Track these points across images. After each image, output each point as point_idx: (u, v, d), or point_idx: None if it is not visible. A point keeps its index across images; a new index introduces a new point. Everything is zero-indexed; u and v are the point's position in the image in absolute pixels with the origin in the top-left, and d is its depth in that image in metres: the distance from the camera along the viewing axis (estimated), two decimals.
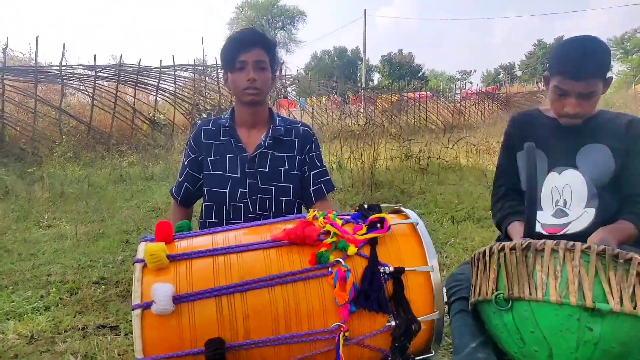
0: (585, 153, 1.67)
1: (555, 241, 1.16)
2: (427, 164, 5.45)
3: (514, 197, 1.78)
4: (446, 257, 2.48)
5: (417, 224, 1.30)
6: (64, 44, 9.11)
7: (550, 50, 1.70)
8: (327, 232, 1.22)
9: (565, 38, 1.70)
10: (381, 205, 1.41)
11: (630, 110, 12.10)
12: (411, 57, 53.98)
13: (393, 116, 14.65)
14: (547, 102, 1.74)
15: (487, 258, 1.28)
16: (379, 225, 1.27)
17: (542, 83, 1.66)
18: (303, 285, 1.12)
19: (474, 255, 1.34)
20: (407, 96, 17.44)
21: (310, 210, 1.34)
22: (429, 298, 1.21)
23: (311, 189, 1.76)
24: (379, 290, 1.16)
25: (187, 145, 1.79)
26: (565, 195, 1.68)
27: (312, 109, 13.31)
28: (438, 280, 1.22)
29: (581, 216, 1.64)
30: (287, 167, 1.73)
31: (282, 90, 15.32)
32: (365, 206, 1.37)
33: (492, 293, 1.23)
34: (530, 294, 1.15)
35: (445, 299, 1.55)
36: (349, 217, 1.32)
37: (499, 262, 1.24)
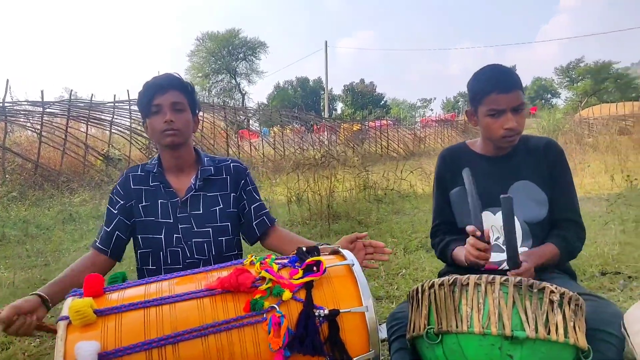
0: (514, 193, 1.73)
1: (478, 275, 1.24)
2: (385, 194, 5.56)
3: (453, 232, 1.86)
4: (397, 288, 2.54)
5: (353, 264, 1.35)
6: (7, 79, 8.94)
7: (468, 85, 1.80)
8: (263, 278, 1.25)
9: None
10: (320, 246, 1.46)
11: (575, 133, 12.77)
12: (373, 87, 55.29)
13: (355, 145, 14.91)
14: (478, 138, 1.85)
15: (420, 295, 1.34)
16: (315, 268, 1.31)
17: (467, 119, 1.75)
18: (237, 333, 1.14)
19: (409, 293, 1.41)
20: (368, 125, 17.80)
21: (249, 256, 1.38)
22: (364, 338, 1.25)
23: (254, 223, 1.77)
24: (314, 334, 1.19)
25: (113, 193, 1.74)
26: (502, 235, 1.76)
27: (274, 139, 13.39)
28: (373, 319, 1.26)
29: None
30: (222, 206, 1.73)
31: (245, 121, 15.40)
32: (304, 249, 1.41)
33: (424, 328, 1.28)
34: (457, 327, 1.21)
35: (385, 336, 1.60)
36: (286, 260, 1.36)
37: (429, 299, 1.31)
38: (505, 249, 1.72)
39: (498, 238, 1.77)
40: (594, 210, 4.45)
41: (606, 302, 1.42)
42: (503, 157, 1.77)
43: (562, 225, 1.72)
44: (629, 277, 2.21)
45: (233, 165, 1.80)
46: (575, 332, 1.20)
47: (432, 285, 1.30)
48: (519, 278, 1.21)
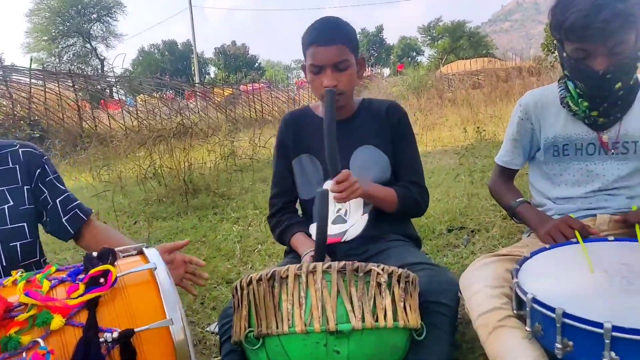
0: (357, 158, 1.63)
1: (298, 265, 1.07)
2: (252, 161, 5.33)
3: (291, 208, 1.71)
4: (251, 267, 2.36)
5: (155, 268, 1.10)
6: None
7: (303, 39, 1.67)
8: (26, 304, 0.96)
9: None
10: (120, 247, 1.19)
11: (437, 89, 13.63)
12: (245, 49, 53.86)
13: (228, 110, 14.34)
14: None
15: (239, 293, 1.14)
16: (102, 280, 1.04)
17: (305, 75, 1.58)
18: None
19: (232, 290, 1.20)
20: (240, 89, 17.23)
21: (13, 272, 1.06)
22: (170, 357, 1.02)
23: (64, 220, 1.45)
24: None
25: None
26: (345, 205, 1.64)
27: (137, 109, 12.31)
28: (181, 334, 1.03)
29: (356, 223, 1.61)
30: (12, 204, 1.39)
31: (105, 90, 13.92)
32: (94, 254, 1.12)
33: (245, 331, 1.10)
34: (277, 328, 1.05)
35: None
36: (66, 273, 1.07)
37: (248, 297, 1.12)
38: (339, 219, 1.61)
39: (340, 209, 1.64)
40: (449, 163, 4.68)
41: (441, 270, 1.36)
42: (345, 121, 1.65)
43: (406, 187, 1.65)
44: (472, 231, 2.27)
45: (23, 151, 1.44)
46: (406, 313, 1.10)
47: (251, 282, 1.11)
48: (343, 263, 1.06)
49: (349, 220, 1.62)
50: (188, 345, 1.07)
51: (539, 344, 1.02)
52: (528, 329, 1.01)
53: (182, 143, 4.46)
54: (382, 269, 1.08)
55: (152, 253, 1.17)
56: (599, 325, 0.84)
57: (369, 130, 1.64)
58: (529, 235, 1.54)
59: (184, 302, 2.01)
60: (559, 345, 0.91)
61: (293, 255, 1.67)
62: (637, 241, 1.20)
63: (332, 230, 1.62)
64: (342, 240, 1.58)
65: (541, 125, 1.48)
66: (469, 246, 2.12)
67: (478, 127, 6.00)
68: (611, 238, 1.24)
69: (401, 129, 1.65)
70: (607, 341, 0.83)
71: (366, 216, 1.61)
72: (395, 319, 1.07)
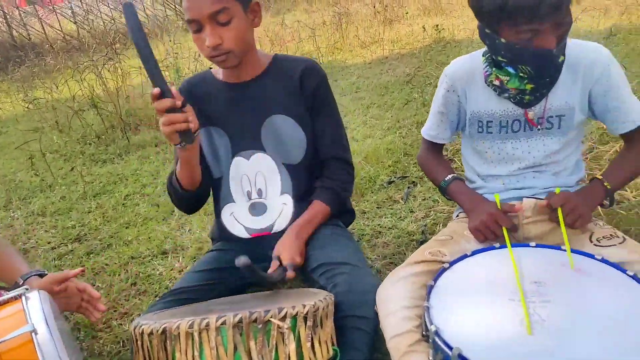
0: (269, 129, 1.47)
1: (190, 322, 0.97)
2: None
3: None
4: (189, 229, 2.26)
5: (35, 332, 0.97)
6: None
7: None
8: None
9: None
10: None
11: None
12: None
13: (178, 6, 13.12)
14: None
15: (133, 343, 1.05)
16: None
17: None
18: None
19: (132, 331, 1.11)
20: None
21: None
22: None
23: None
24: None
25: None
26: (259, 184, 1.50)
27: (72, 10, 11.13)
28: None
29: (282, 210, 1.49)
30: None
31: None
32: None
33: None
34: None
35: None
36: None
37: (142, 349, 1.03)
38: (258, 207, 1.49)
39: (251, 193, 1.51)
40: (404, 72, 4.44)
41: (362, 273, 1.29)
42: (250, 83, 1.45)
43: (329, 167, 1.52)
44: (413, 182, 2.19)
45: None
46: (314, 351, 1.04)
47: (143, 333, 1.02)
48: (239, 316, 0.96)
49: (268, 204, 1.49)
50: None
51: None
52: (431, 358, 0.98)
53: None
54: (284, 316, 0.99)
55: (34, 305, 1.04)
56: None
57: (280, 96, 1.45)
58: (457, 216, 1.46)
59: (108, 282, 1.92)
60: None
61: (219, 246, 1.58)
62: (559, 249, 1.14)
63: (258, 223, 1.51)
64: (272, 232, 1.49)
65: (467, 98, 1.33)
66: (409, 201, 2.04)
67: (437, 26, 5.66)
68: (533, 244, 1.18)
69: (319, 97, 1.47)
70: None
71: (289, 199, 1.48)
72: None
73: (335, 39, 6.39)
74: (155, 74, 1.11)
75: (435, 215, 1.89)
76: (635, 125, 1.25)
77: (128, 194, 2.79)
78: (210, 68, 1.54)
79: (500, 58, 1.17)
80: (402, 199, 2.06)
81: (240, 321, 0.96)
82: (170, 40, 5.65)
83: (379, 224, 1.92)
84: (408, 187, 2.14)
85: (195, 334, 0.96)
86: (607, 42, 3.96)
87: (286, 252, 1.34)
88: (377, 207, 2.06)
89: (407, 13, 7.56)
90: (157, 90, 1.13)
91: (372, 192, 2.17)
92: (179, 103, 1.15)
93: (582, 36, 4.13)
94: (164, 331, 0.98)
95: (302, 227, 1.42)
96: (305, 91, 1.45)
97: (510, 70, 1.18)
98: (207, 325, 0.96)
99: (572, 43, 1.24)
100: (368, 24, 7.08)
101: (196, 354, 0.96)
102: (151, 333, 1.00)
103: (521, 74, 1.17)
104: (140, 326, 1.02)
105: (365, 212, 2.02)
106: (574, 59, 1.23)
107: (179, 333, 0.97)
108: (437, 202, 2.00)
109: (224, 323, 0.96)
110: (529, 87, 1.20)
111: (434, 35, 5.59)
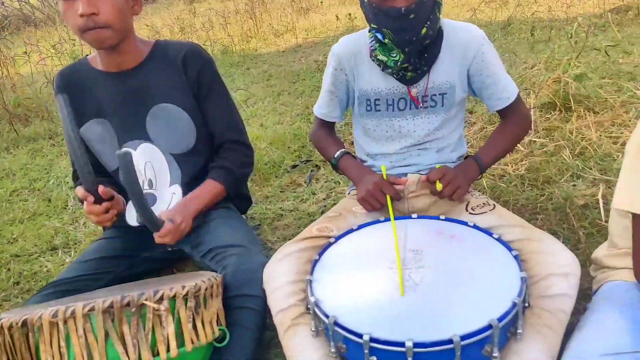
0: (154, 118, 1.41)
1: (53, 311, 0.90)
2: None
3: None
4: (84, 223, 2.12)
5: None
6: None
7: None
8: None
9: None
10: None
11: None
12: None
13: None
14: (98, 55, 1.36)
15: None
16: None
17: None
18: None
19: None
20: None
21: None
22: None
23: None
24: None
25: None
26: (149, 174, 1.43)
27: None
28: None
29: (171, 200, 1.43)
30: None
31: None
32: None
33: None
34: None
35: None
36: None
37: (4, 345, 0.95)
38: (150, 198, 1.43)
39: (151, 182, 1.45)
40: (317, 61, 4.47)
41: (252, 252, 1.28)
42: (131, 72, 1.38)
43: (224, 150, 1.49)
44: (316, 165, 2.20)
45: None
46: (197, 332, 1.01)
47: (2, 328, 0.93)
48: (109, 301, 0.91)
49: (158, 195, 1.44)
50: None
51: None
52: (313, 329, 1.00)
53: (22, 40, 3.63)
54: (161, 298, 0.95)
55: None
56: (360, 335, 0.87)
57: (164, 83, 1.39)
58: (349, 193, 1.49)
59: None
60: (332, 349, 0.95)
61: (108, 234, 1.50)
62: (438, 218, 1.20)
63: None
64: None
65: (355, 77, 1.35)
66: (312, 185, 2.06)
67: (350, 14, 5.75)
68: (415, 215, 1.23)
69: (204, 82, 1.42)
70: (365, 351, 0.87)
71: (178, 188, 1.44)
72: (182, 345, 0.97)
73: (249, 26, 6.29)
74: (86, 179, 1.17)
75: (336, 196, 1.92)
76: (508, 102, 1.33)
77: (15, 189, 2.56)
78: (87, 55, 1.44)
79: (372, 25, 1.20)
80: (304, 182, 2.07)
81: (110, 306, 0.91)
82: (66, 26, 5.25)
83: (280, 207, 1.91)
84: (311, 170, 2.15)
85: (60, 323, 0.89)
86: (503, 32, 4.23)
87: (166, 213, 1.29)
88: (281, 191, 2.05)
89: (322, 2, 7.62)
90: (82, 193, 1.22)
91: (277, 177, 2.16)
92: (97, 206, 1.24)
93: (483, 26, 4.39)
94: (24, 323, 0.91)
95: (189, 200, 1.36)
96: (190, 77, 1.40)
97: (379, 36, 1.21)
98: (73, 312, 0.90)
99: (448, 24, 1.29)
100: (283, 12, 7.05)
101: (62, 344, 0.90)
102: (11, 326, 0.92)
103: (387, 40, 1.19)
104: (0, 320, 0.94)
105: (268, 197, 2.01)
106: (452, 40, 1.28)
107: (41, 324, 0.90)
108: (339, 183, 2.03)
109: (92, 309, 0.90)
110: (400, 57, 1.21)
111: (347, 24, 5.68)
